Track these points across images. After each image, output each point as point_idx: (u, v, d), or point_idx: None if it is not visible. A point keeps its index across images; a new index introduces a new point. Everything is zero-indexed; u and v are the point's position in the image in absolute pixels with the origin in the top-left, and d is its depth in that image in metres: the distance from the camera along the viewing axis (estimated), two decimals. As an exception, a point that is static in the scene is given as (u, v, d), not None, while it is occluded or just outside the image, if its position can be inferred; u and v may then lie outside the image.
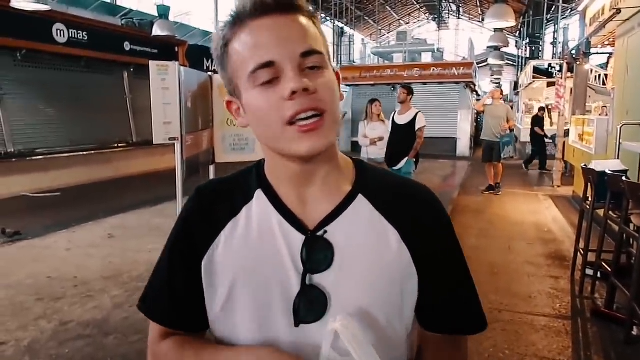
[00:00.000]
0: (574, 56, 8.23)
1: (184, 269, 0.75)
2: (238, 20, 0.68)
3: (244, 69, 0.66)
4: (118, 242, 5.25)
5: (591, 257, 3.91)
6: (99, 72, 9.45)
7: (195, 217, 0.76)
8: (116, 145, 9.69)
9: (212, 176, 6.17)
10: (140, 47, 10.23)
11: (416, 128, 5.91)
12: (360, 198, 0.73)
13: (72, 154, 8.58)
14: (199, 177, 5.64)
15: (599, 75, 11.30)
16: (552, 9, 17.43)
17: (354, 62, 25.40)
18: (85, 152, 8.84)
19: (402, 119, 5.98)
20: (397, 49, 19.37)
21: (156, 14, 10.72)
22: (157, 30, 9.83)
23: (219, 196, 0.78)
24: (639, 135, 4.83)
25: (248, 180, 0.78)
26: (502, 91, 8.75)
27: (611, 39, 7.45)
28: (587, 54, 7.94)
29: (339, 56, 25.46)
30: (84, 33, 8.89)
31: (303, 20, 0.67)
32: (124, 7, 13.32)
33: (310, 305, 0.69)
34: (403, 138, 5.88)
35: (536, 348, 3.01)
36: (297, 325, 0.69)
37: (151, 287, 0.79)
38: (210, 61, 13.07)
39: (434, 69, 15.06)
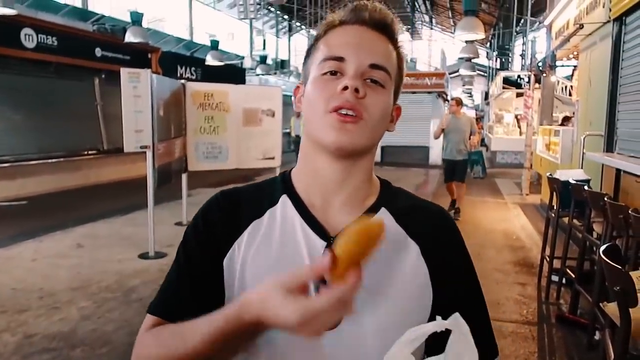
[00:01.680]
0: (540, 68, 8.49)
1: (201, 263, 0.75)
2: (334, 24, 0.76)
3: (319, 57, 0.74)
4: (87, 251, 5.14)
5: (557, 263, 4.03)
6: (69, 78, 9.27)
7: (217, 216, 0.77)
8: (86, 152, 9.51)
9: (184, 185, 6.13)
10: (112, 54, 10.09)
11: None
12: (383, 211, 0.76)
13: (40, 161, 8.38)
14: (171, 186, 5.58)
15: (565, 87, 11.66)
16: (521, 22, 17.94)
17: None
18: (54, 160, 8.64)
19: None
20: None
21: (129, 20, 10.58)
22: (129, 37, 9.71)
23: (242, 199, 0.79)
24: (601, 145, 5.01)
25: (273, 187, 0.80)
26: (459, 101, 7.20)
27: (576, 52, 7.72)
28: (552, 67, 8.21)
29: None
30: (54, 38, 8.72)
31: (388, 43, 0.75)
32: (95, 13, 13.06)
33: None
34: None
35: (503, 354, 3.07)
36: None
37: (163, 286, 0.77)
38: (183, 68, 13.01)
39: (407, 79, 15.25)
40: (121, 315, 3.51)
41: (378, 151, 7.18)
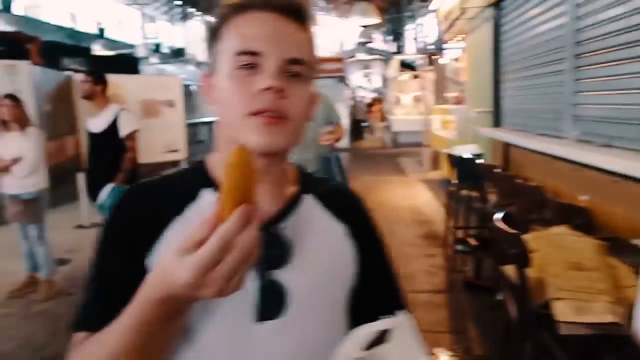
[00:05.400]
0: (430, 51, 8.98)
1: (124, 264, 0.69)
2: (243, 7, 0.69)
3: (230, 48, 0.68)
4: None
5: (461, 233, 4.33)
6: None
7: (135, 212, 0.72)
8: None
9: (81, 186, 5.68)
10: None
11: (122, 134, 3.70)
12: (308, 197, 0.77)
13: None
14: (67, 187, 5.15)
15: (456, 68, 12.42)
16: (412, 7, 18.82)
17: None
18: None
19: (97, 124, 3.72)
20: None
21: (-2, 7, 9.50)
22: None
23: (159, 193, 0.75)
24: (490, 121, 5.43)
25: (189, 179, 0.76)
26: None
27: (463, 35, 8.26)
28: (441, 49, 8.71)
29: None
30: None
31: (302, 31, 0.71)
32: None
33: (270, 301, 0.68)
34: (102, 153, 3.73)
35: (418, 322, 3.25)
36: (259, 320, 0.67)
37: (86, 296, 0.70)
38: (68, 59, 11.95)
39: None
40: (20, 331, 3.19)
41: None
